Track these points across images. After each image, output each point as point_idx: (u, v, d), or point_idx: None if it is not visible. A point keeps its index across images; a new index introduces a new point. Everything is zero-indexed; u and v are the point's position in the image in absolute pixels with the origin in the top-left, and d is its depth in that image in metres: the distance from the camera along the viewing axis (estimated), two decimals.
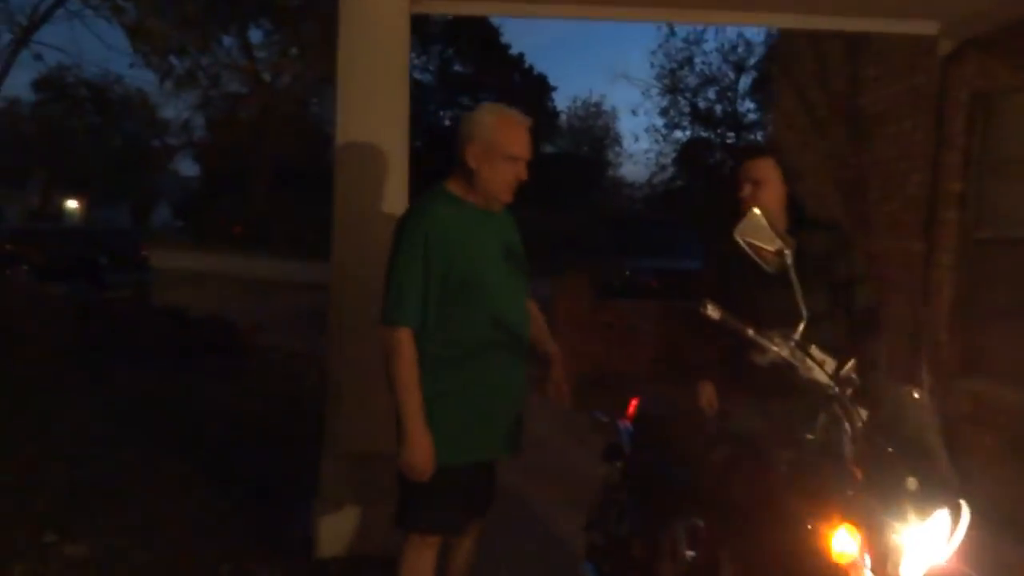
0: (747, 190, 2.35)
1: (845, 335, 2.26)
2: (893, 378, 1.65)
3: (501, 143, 2.16)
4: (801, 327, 1.58)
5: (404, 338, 2.13)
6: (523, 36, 76.04)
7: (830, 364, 1.56)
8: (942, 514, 1.41)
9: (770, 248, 1.66)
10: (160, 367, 6.27)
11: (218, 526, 3.53)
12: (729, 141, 28.10)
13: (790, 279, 1.64)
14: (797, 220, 2.37)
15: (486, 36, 27.79)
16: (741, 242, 1.67)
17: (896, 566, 1.41)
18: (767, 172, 2.36)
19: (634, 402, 2.70)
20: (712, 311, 1.53)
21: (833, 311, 2.28)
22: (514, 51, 29.92)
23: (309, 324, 9.62)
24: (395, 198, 3.21)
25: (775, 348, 1.53)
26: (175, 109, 35.98)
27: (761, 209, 2.23)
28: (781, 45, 5.78)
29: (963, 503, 1.43)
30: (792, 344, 1.55)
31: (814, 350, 1.56)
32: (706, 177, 27.76)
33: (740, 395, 2.32)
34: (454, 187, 2.26)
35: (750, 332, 1.52)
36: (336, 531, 3.19)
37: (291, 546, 3.30)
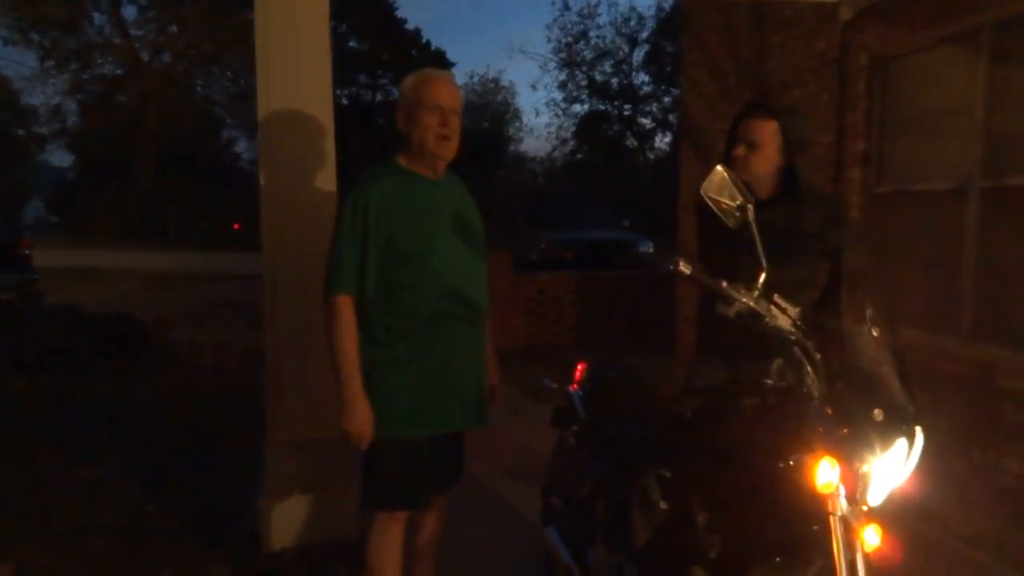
0: (741, 151, 2.28)
1: (827, 295, 2.31)
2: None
3: (419, 97, 2.21)
4: (762, 277, 1.65)
5: (341, 304, 2.15)
6: (417, 12, 74.86)
7: (792, 311, 1.64)
8: (902, 442, 1.53)
9: (732, 204, 1.73)
10: (64, 371, 5.83)
11: (153, 530, 3.35)
12: (626, 113, 28.91)
13: (751, 234, 1.72)
14: (790, 191, 2.30)
15: (380, 10, 27.09)
16: (705, 198, 1.72)
17: (864, 493, 1.52)
18: (766, 136, 2.27)
19: (581, 367, 2.75)
20: (684, 267, 1.58)
21: (815, 277, 2.32)
22: (410, 26, 29.36)
23: (216, 316, 9.24)
24: (323, 176, 3.13)
25: (742, 299, 1.60)
26: (43, 95, 33.12)
27: (748, 173, 2.24)
28: (691, 16, 5.94)
29: (919, 430, 1.55)
30: (756, 294, 1.63)
31: (777, 299, 1.64)
32: (604, 150, 28.46)
33: (705, 356, 2.39)
34: (402, 159, 2.30)
35: (722, 284, 1.58)
36: (285, 521, 3.11)
37: (236, 542, 3.18)
